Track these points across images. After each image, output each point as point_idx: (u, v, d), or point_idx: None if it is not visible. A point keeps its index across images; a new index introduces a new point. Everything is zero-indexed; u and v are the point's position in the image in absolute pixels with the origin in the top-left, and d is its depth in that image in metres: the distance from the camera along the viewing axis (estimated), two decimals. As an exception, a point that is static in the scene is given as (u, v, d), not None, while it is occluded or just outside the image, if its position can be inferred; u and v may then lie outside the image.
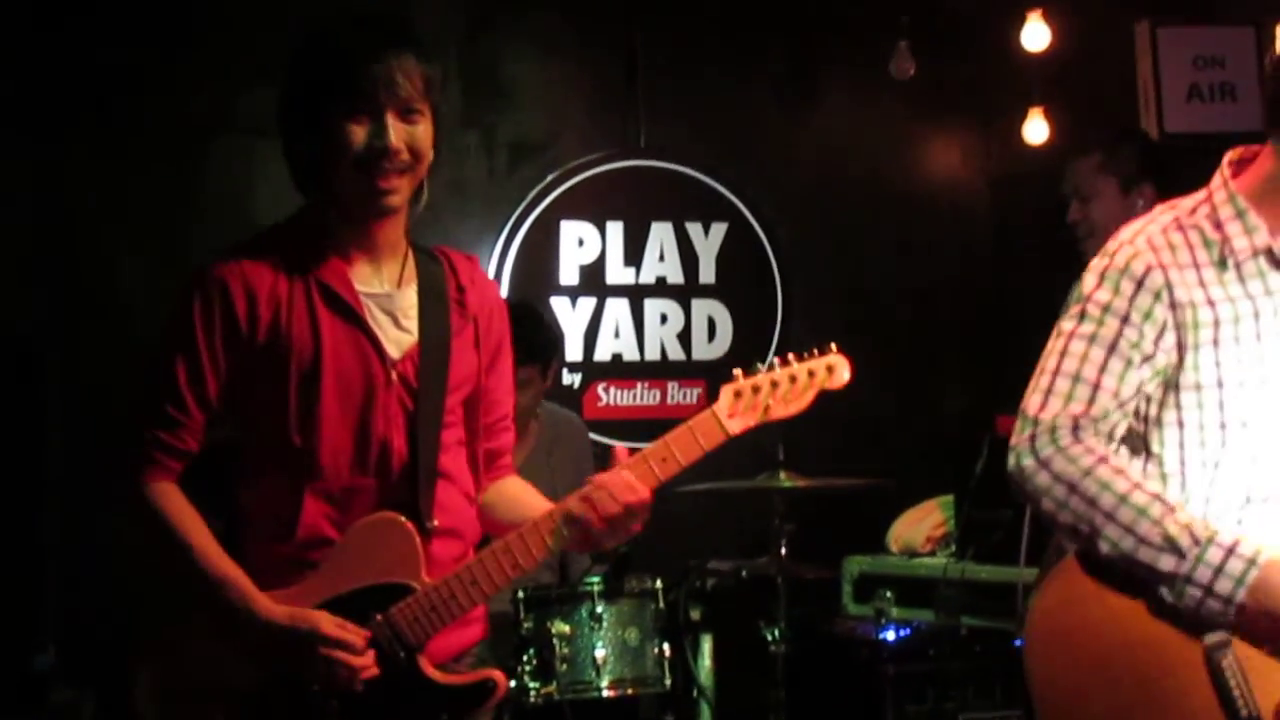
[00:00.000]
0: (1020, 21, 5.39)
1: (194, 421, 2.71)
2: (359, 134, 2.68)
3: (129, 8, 5.15)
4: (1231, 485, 2.60)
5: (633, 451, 2.76)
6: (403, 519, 2.71)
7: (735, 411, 2.77)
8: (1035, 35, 5.40)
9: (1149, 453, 2.65)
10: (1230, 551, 2.45)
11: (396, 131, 2.68)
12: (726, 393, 2.77)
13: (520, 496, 2.95)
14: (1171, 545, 2.47)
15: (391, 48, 2.69)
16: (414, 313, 2.81)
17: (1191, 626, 2.50)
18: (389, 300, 2.80)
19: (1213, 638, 2.51)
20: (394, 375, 2.76)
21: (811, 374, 2.83)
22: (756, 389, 2.79)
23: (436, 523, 2.75)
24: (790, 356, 2.84)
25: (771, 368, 2.84)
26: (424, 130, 2.73)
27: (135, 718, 2.76)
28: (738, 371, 2.90)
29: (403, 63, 2.68)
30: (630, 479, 2.72)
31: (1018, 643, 2.84)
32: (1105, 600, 2.57)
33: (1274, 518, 2.56)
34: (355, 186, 2.71)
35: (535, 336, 4.82)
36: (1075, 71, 5.54)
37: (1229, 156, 2.69)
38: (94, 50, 5.11)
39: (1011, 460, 2.59)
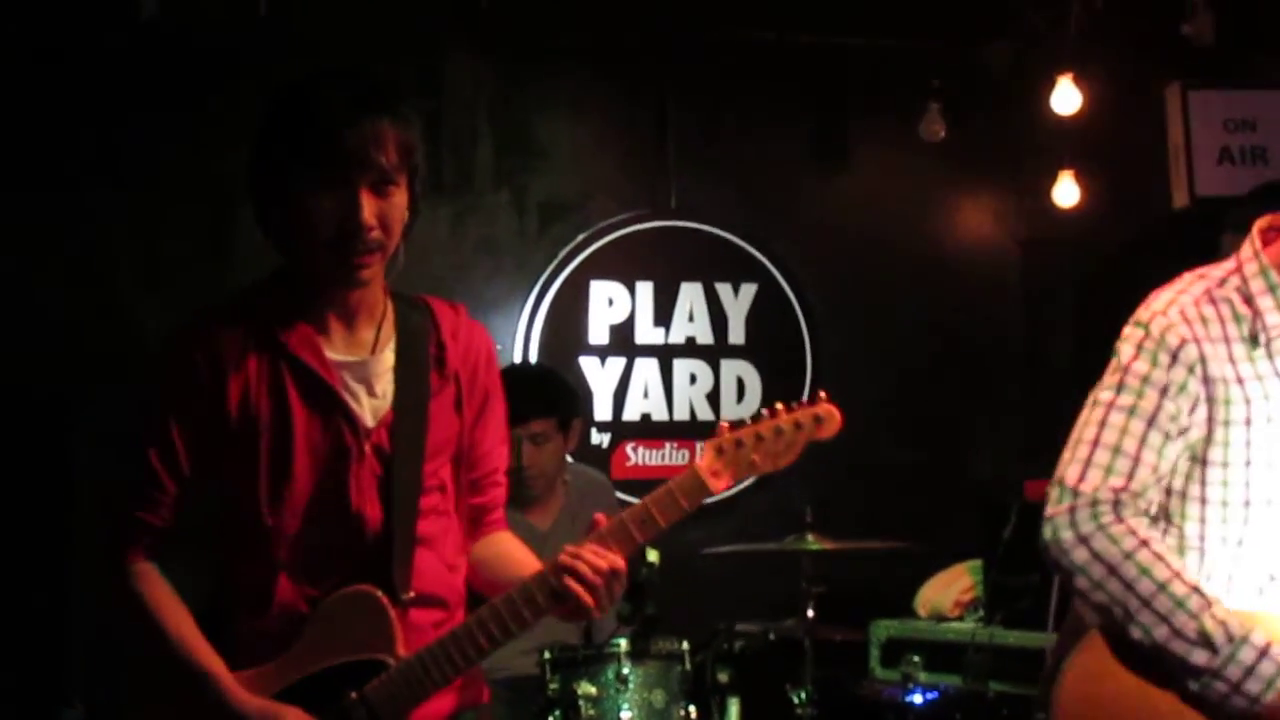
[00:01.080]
0: (1051, 85, 5.39)
1: (169, 497, 2.69)
2: (329, 209, 2.61)
3: (158, 72, 5.16)
4: (1254, 563, 2.59)
5: None
6: (376, 592, 2.70)
7: (718, 468, 2.73)
8: (1066, 98, 5.40)
9: (1169, 523, 2.64)
10: (1263, 654, 2.45)
11: (369, 207, 2.62)
12: (709, 449, 2.72)
13: (510, 553, 2.93)
14: (1205, 641, 2.45)
15: (366, 113, 2.62)
16: (389, 377, 2.78)
17: (1216, 713, 2.52)
18: (363, 368, 2.77)
19: None
20: (367, 447, 2.72)
21: (799, 425, 2.77)
22: (740, 444, 2.75)
23: (412, 594, 2.74)
24: (779, 407, 2.79)
25: (758, 419, 2.79)
26: (398, 201, 2.68)
27: None
28: (723, 425, 2.84)
29: (377, 131, 2.62)
30: (598, 548, 2.69)
31: (1039, 717, 2.80)
32: (1131, 676, 2.55)
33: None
34: (326, 262, 2.66)
35: (554, 392, 4.83)
36: (1106, 135, 5.52)
37: (1259, 225, 2.68)
38: (124, 112, 5.12)
39: (1048, 531, 2.57)
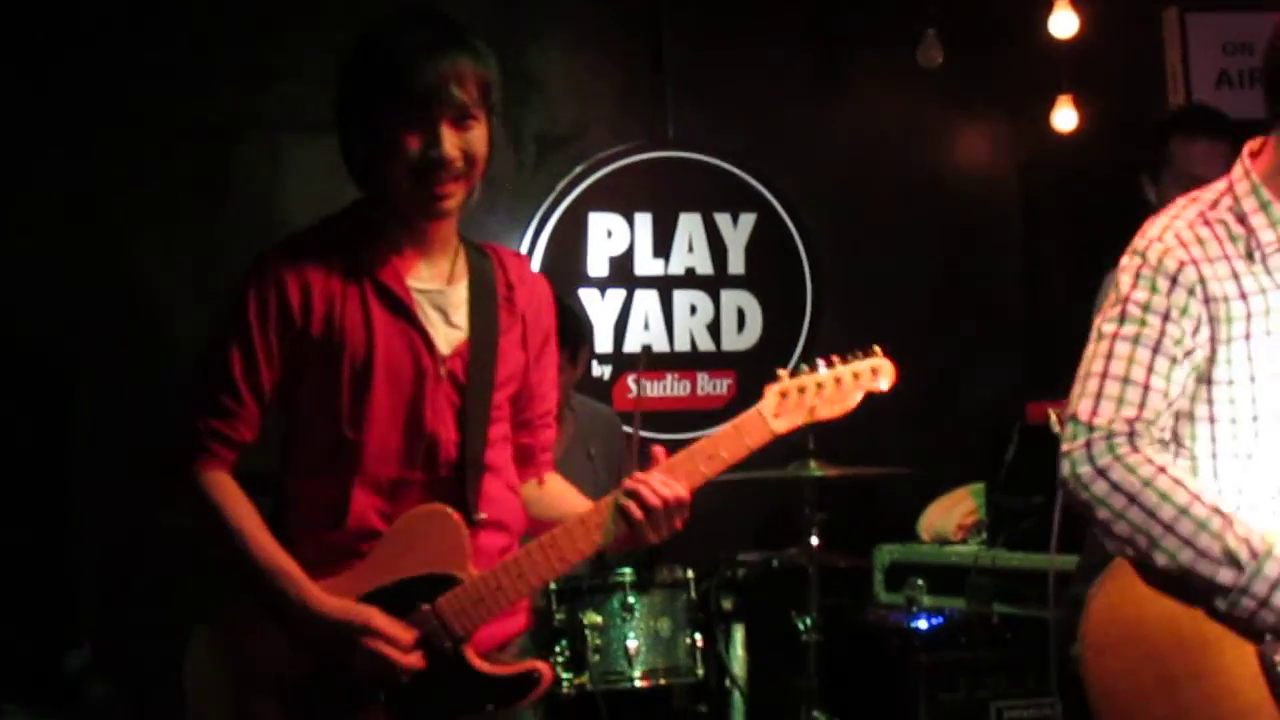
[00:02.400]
0: (1048, 9, 5.38)
1: (249, 411, 2.74)
2: (414, 143, 2.68)
3: (156, 8, 5.15)
4: (1264, 477, 2.59)
5: (669, 447, 2.79)
6: (450, 511, 2.73)
7: (781, 411, 2.79)
8: (1063, 23, 5.39)
9: (1180, 445, 2.65)
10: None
11: (451, 140, 2.68)
12: (772, 393, 2.79)
13: (562, 494, 2.98)
14: (1231, 559, 2.47)
15: (446, 53, 2.68)
16: (464, 309, 2.83)
17: (1245, 630, 2.53)
18: (440, 296, 2.82)
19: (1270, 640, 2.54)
20: (443, 371, 2.77)
21: (856, 376, 2.85)
22: (802, 390, 2.81)
23: (484, 515, 2.77)
24: (835, 358, 2.85)
25: (815, 368, 2.85)
26: (478, 135, 2.73)
27: (189, 705, 2.78)
28: (783, 372, 2.91)
29: (458, 69, 2.67)
30: (665, 478, 2.74)
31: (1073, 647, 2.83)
32: (1160, 602, 2.58)
33: None
34: (411, 192, 2.72)
35: (562, 322, 4.91)
36: (1103, 59, 5.53)
37: (1249, 146, 2.69)
38: (121, 50, 5.12)
39: (1066, 467, 2.59)
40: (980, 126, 6.05)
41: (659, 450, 2.83)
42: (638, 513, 2.69)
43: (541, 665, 2.80)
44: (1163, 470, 2.53)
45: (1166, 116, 4.67)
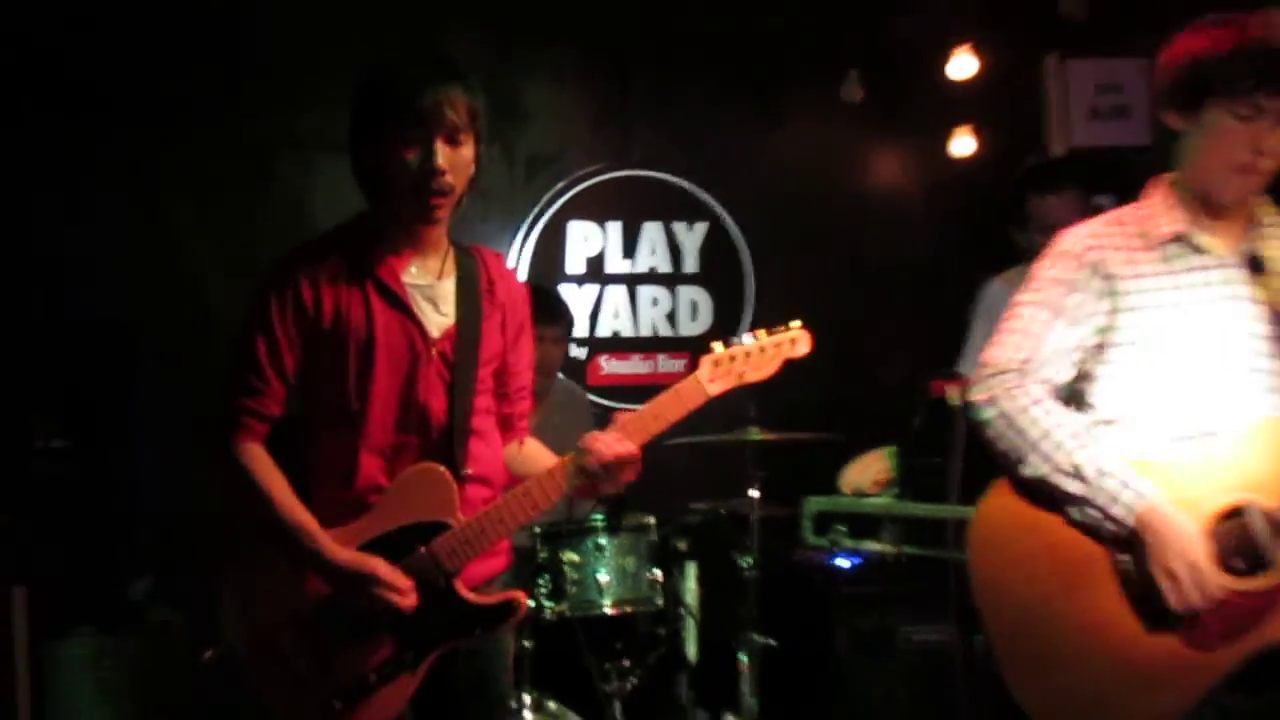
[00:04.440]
0: (950, 54, 5.45)
1: (274, 390, 2.73)
2: (412, 158, 2.67)
3: (213, 50, 5.21)
4: (1156, 427, 2.64)
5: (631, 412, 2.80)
6: (442, 468, 2.73)
7: (715, 377, 2.79)
8: (962, 65, 5.45)
9: (1083, 402, 2.68)
10: (1125, 485, 2.50)
11: (443, 154, 2.67)
12: (707, 362, 2.78)
13: (536, 455, 2.96)
14: (1078, 473, 2.52)
15: (442, 83, 2.68)
16: (452, 300, 2.82)
17: (1094, 536, 2.57)
18: (431, 290, 2.81)
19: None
20: (434, 352, 2.76)
21: (778, 345, 2.85)
22: (733, 358, 2.81)
23: (470, 471, 2.77)
24: (761, 331, 2.84)
25: (744, 340, 2.85)
26: (467, 152, 2.71)
27: (223, 633, 2.80)
28: (716, 344, 2.89)
29: (451, 96, 2.66)
30: (619, 436, 2.73)
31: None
32: (1031, 511, 2.63)
33: (1194, 453, 2.60)
34: (409, 201, 2.71)
35: (558, 304, 4.93)
36: (995, 96, 5.59)
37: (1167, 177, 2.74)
38: (174, 83, 5.16)
39: (969, 394, 2.65)
40: (892, 151, 5.98)
41: (618, 414, 2.83)
42: (594, 465, 2.70)
43: (519, 595, 2.80)
44: (1038, 402, 2.59)
45: (1020, 175, 4.61)
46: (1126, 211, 2.72)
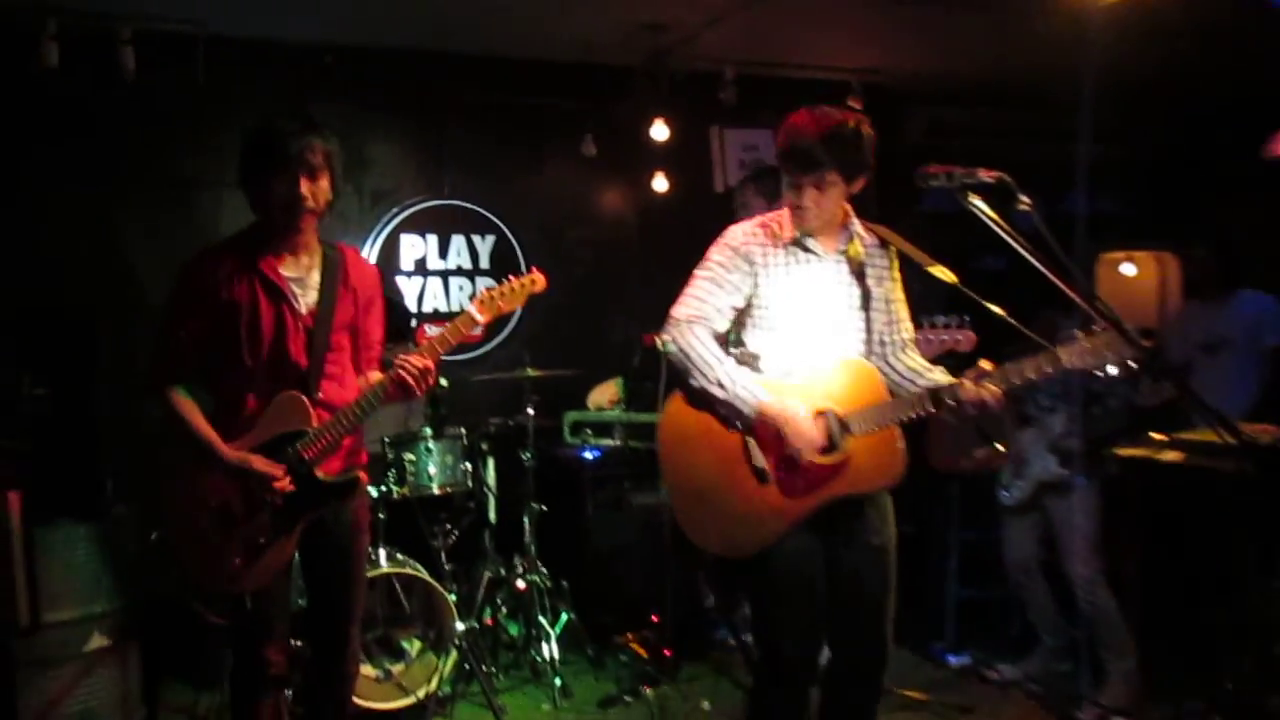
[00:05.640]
0: (651, 123, 5.69)
1: (188, 354, 2.78)
2: (281, 188, 2.73)
3: (151, 113, 5.15)
4: (778, 361, 2.84)
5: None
6: (300, 395, 2.82)
7: (481, 310, 2.83)
8: (659, 131, 5.71)
9: (743, 344, 2.82)
10: (750, 392, 2.69)
11: (305, 186, 2.73)
12: (476, 300, 2.86)
13: (373, 379, 2.95)
14: (720, 384, 2.70)
15: (304, 135, 2.73)
16: (317, 286, 2.86)
17: (733, 424, 2.72)
18: (301, 281, 2.85)
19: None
20: (300, 324, 2.83)
21: (523, 284, 2.91)
22: (492, 296, 2.87)
23: (320, 397, 2.84)
24: (510, 276, 2.93)
25: (501, 283, 2.92)
26: (324, 183, 2.77)
27: (161, 520, 2.90)
28: (484, 288, 3.07)
29: (310, 143, 2.73)
30: (420, 354, 2.77)
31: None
32: (698, 412, 2.80)
33: (801, 377, 2.76)
34: (281, 219, 2.78)
35: (402, 315, 5.20)
36: (680, 152, 5.89)
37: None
38: (124, 131, 5.14)
39: (665, 335, 2.76)
40: (616, 188, 6.22)
41: (420, 333, 2.93)
42: (403, 376, 2.77)
43: (360, 474, 2.88)
44: (702, 342, 2.73)
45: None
46: (770, 217, 2.79)
